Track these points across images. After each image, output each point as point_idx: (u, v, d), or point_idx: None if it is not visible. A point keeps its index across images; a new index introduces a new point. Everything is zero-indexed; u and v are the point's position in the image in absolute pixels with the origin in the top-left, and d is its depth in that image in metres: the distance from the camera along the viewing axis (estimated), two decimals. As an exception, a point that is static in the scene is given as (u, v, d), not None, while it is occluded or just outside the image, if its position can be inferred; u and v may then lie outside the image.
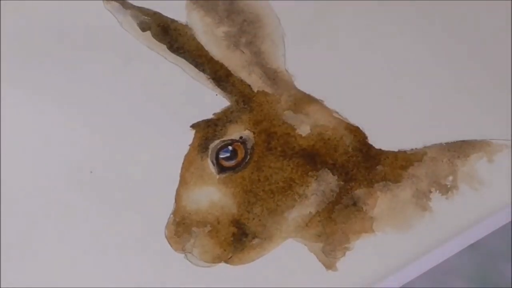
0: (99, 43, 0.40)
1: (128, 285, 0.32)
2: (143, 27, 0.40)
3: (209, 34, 0.39)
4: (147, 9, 0.40)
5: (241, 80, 0.38)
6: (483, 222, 0.33)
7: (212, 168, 0.35)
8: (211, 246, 0.33)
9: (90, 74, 0.39)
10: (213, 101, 0.37)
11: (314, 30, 0.40)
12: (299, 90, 0.37)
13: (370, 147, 0.35)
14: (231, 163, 0.35)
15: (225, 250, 0.33)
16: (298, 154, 0.35)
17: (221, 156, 0.35)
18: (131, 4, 0.41)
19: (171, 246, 0.33)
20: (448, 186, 0.34)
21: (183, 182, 0.35)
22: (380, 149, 0.35)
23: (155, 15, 0.40)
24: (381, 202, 0.34)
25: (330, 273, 0.32)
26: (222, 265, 0.33)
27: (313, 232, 0.33)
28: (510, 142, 0.35)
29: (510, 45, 0.39)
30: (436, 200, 0.34)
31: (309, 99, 0.37)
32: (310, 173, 0.35)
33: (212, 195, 0.34)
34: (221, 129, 0.36)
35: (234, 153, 0.35)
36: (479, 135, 0.35)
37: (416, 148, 0.35)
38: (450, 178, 0.34)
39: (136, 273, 0.32)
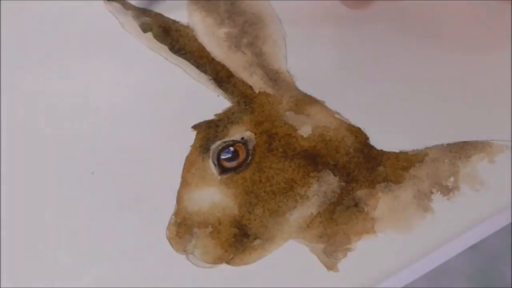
0: (100, 44, 0.40)
1: (128, 285, 0.32)
2: (145, 28, 0.40)
3: (210, 35, 0.39)
4: (148, 10, 0.41)
5: (243, 81, 0.38)
6: (484, 223, 0.33)
7: (213, 169, 0.35)
8: (213, 247, 0.33)
9: (91, 75, 0.39)
10: (214, 102, 0.37)
11: (315, 31, 0.40)
12: (300, 91, 0.37)
13: (371, 148, 0.36)
14: (233, 164, 0.35)
15: (226, 251, 0.33)
16: (300, 155, 0.35)
17: (222, 157, 0.35)
18: (132, 5, 0.41)
19: (172, 247, 0.33)
20: (450, 187, 0.34)
21: (184, 183, 0.35)
22: (381, 150, 0.35)
23: (156, 16, 0.40)
24: (382, 203, 0.34)
25: (331, 274, 0.32)
26: (224, 266, 0.32)
27: (315, 233, 0.33)
28: (511, 143, 0.35)
29: (511, 46, 0.39)
30: (438, 201, 0.34)
31: (311, 100, 0.37)
32: (311, 174, 0.35)
33: (214, 196, 0.34)
34: (222, 130, 0.36)
35: (235, 154, 0.35)
36: (480, 136, 0.36)
37: (417, 149, 0.35)
38: (452, 179, 0.34)
39: (137, 274, 0.32)
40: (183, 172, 0.35)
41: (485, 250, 0.33)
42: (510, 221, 0.33)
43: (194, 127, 0.36)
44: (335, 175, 0.35)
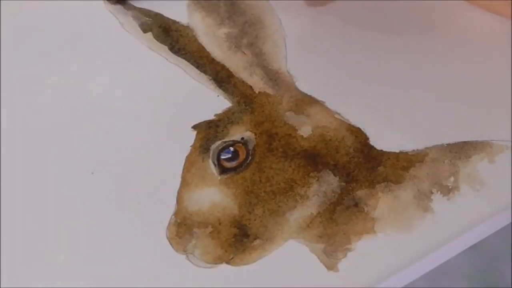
0: (100, 44, 0.40)
1: (129, 285, 0.32)
2: (145, 29, 0.40)
3: (210, 35, 0.39)
4: (149, 10, 0.41)
5: (243, 81, 0.38)
6: (484, 223, 0.33)
7: (213, 169, 0.35)
8: (213, 247, 0.33)
9: (91, 75, 0.39)
10: (214, 102, 0.37)
11: (315, 31, 0.40)
12: (300, 91, 0.37)
13: (371, 148, 0.36)
14: (233, 164, 0.35)
15: (226, 251, 0.33)
16: (300, 155, 0.35)
17: (222, 157, 0.35)
18: (133, 5, 0.41)
19: (172, 247, 0.33)
20: (450, 187, 0.34)
21: (184, 183, 0.35)
22: (381, 150, 0.35)
23: (157, 16, 0.40)
24: (382, 203, 0.34)
25: (331, 274, 0.32)
26: (224, 266, 0.32)
27: (315, 233, 0.33)
28: (510, 143, 0.35)
29: (510, 46, 0.39)
30: (438, 201, 0.34)
31: (311, 100, 0.37)
32: (311, 174, 0.35)
33: (214, 196, 0.34)
34: (222, 130, 0.36)
35: (235, 154, 0.35)
36: (480, 136, 0.36)
37: (417, 149, 0.35)
38: (452, 179, 0.34)
39: (137, 274, 0.32)
40: (183, 172, 0.35)
41: (485, 250, 0.33)
42: (510, 221, 0.33)
43: (194, 127, 0.36)
44: (335, 175, 0.35)
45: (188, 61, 0.39)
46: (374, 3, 0.41)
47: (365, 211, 0.34)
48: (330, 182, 0.34)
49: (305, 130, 0.36)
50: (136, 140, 0.36)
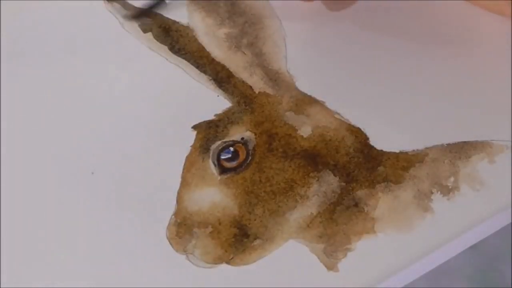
0: (100, 44, 0.40)
1: (129, 285, 0.32)
2: (145, 29, 0.40)
3: (210, 36, 0.39)
4: (149, 11, 0.41)
5: (243, 81, 0.38)
6: (484, 223, 0.33)
7: (213, 169, 0.35)
8: (213, 247, 0.33)
9: (91, 75, 0.39)
10: (214, 102, 0.37)
11: (315, 31, 0.40)
12: (300, 91, 0.37)
13: (371, 148, 0.36)
14: (233, 164, 0.35)
15: (226, 251, 0.33)
16: (300, 155, 0.35)
17: (222, 157, 0.35)
18: (133, 5, 0.41)
19: (172, 247, 0.33)
20: (450, 187, 0.34)
21: (184, 183, 0.35)
22: (381, 150, 0.35)
23: (157, 16, 0.40)
24: (382, 203, 0.34)
25: (331, 274, 0.32)
26: (224, 266, 0.32)
27: (315, 233, 0.33)
28: (510, 143, 0.35)
29: (511, 46, 0.39)
30: (438, 201, 0.34)
31: (311, 100, 0.37)
32: (311, 174, 0.35)
33: (214, 196, 0.34)
34: (222, 130, 0.36)
35: (235, 154, 0.35)
36: (480, 136, 0.36)
37: (417, 149, 0.35)
38: (452, 179, 0.34)
39: (137, 274, 0.32)
40: (183, 172, 0.35)
41: (485, 250, 0.33)
42: (510, 221, 0.33)
43: (194, 127, 0.36)
44: (335, 175, 0.35)
45: (188, 61, 0.39)
46: (373, 3, 0.41)
47: (365, 211, 0.34)
48: (330, 182, 0.34)
49: (305, 130, 0.36)
50: (136, 140, 0.36)
